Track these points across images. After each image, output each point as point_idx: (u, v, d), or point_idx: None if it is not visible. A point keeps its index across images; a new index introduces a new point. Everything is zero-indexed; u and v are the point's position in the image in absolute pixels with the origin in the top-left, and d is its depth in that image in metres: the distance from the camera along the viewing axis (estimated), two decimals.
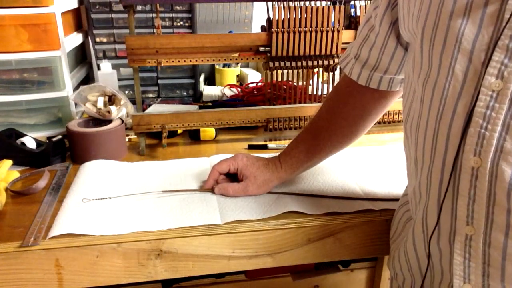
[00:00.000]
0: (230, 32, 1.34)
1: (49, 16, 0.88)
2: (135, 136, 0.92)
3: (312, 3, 0.87)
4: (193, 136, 0.97)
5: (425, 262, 0.51)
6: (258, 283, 0.80)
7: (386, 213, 0.66)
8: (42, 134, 0.93)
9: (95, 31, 1.15)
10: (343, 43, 0.91)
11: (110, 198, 0.67)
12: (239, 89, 1.24)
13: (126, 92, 1.20)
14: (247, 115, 0.91)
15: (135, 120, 0.86)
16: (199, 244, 0.60)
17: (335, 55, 0.92)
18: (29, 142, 0.82)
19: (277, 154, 0.72)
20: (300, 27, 0.88)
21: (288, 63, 0.91)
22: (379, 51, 0.60)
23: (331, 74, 0.95)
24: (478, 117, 0.40)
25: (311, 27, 0.88)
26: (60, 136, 0.86)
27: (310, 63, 0.92)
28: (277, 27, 0.86)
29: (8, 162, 0.74)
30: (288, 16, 0.86)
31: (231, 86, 1.27)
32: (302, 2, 0.87)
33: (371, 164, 0.82)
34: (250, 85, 1.24)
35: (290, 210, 0.65)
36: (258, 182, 0.68)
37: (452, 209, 0.44)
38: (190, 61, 0.87)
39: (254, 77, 1.30)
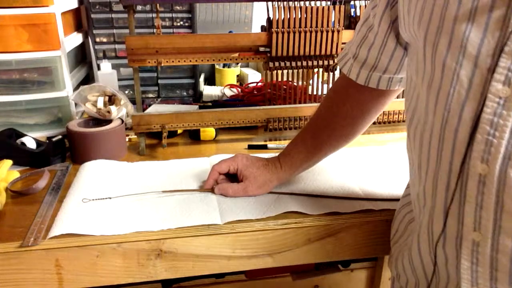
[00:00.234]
0: (230, 32, 1.34)
1: (49, 16, 0.88)
2: (135, 136, 0.92)
3: (312, 3, 0.87)
4: (193, 136, 0.97)
5: (431, 267, 0.50)
6: (258, 283, 0.80)
7: (386, 213, 0.66)
8: (42, 134, 0.93)
9: (95, 31, 1.15)
10: (343, 43, 0.91)
11: (110, 198, 0.67)
12: (239, 89, 1.24)
13: (126, 92, 1.20)
14: (247, 115, 0.91)
15: (135, 120, 0.86)
16: (199, 244, 0.60)
17: (335, 55, 0.92)
18: (29, 142, 0.82)
19: (277, 154, 0.72)
20: (300, 27, 0.88)
21: (288, 63, 0.91)
22: (378, 51, 0.60)
23: (331, 74, 0.95)
24: (485, 124, 0.39)
25: (311, 27, 0.88)
26: (60, 136, 0.86)
27: (310, 63, 0.92)
28: (277, 27, 0.86)
29: (8, 162, 0.74)
30: (288, 16, 0.86)
31: (231, 86, 1.27)
32: (302, 2, 0.87)
33: (371, 164, 0.82)
34: (250, 85, 1.24)
35: (290, 210, 0.65)
36: (258, 183, 0.68)
37: (459, 214, 0.43)
38: (190, 61, 0.87)
39: (254, 77, 1.30)
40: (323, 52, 0.91)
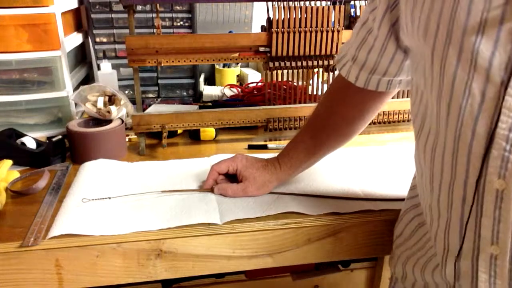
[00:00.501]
0: (230, 32, 1.34)
1: (49, 16, 0.88)
2: (135, 136, 0.92)
3: (312, 3, 0.87)
4: (193, 136, 0.97)
5: (448, 281, 0.50)
6: (258, 283, 0.80)
7: (386, 213, 0.66)
8: (42, 134, 0.93)
9: (95, 31, 1.15)
10: (343, 43, 0.90)
11: (109, 198, 0.67)
12: (239, 89, 1.24)
13: (126, 92, 1.20)
14: (247, 115, 0.91)
15: (135, 120, 0.86)
16: (199, 244, 0.60)
17: (335, 55, 0.92)
18: (29, 142, 0.82)
19: (276, 155, 0.72)
20: (300, 27, 0.88)
21: (288, 63, 0.91)
22: (378, 54, 0.59)
23: (331, 74, 0.95)
24: (501, 139, 0.39)
25: (311, 27, 0.88)
26: (60, 136, 0.86)
27: (310, 63, 0.92)
28: (277, 27, 0.86)
29: (8, 162, 0.74)
30: (288, 16, 0.86)
31: (231, 86, 1.27)
32: (302, 2, 0.87)
33: (371, 164, 0.82)
34: (250, 85, 1.24)
35: (290, 211, 0.65)
36: (258, 184, 0.68)
37: (475, 228, 0.43)
38: (190, 61, 0.87)
39: (254, 77, 1.30)
40: (323, 52, 0.91)
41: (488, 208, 0.41)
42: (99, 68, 1.13)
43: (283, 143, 0.92)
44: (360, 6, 0.91)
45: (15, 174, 0.75)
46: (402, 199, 0.65)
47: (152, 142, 0.94)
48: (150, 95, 1.22)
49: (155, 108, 1.11)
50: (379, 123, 1.00)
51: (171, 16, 1.16)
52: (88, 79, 1.22)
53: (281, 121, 0.93)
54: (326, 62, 0.92)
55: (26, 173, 0.77)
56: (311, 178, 0.76)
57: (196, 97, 1.24)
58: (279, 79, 0.94)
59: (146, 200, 0.67)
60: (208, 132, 0.96)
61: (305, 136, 0.70)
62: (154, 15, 1.15)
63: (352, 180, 0.75)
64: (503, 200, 0.40)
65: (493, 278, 0.43)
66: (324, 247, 0.65)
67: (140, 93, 0.87)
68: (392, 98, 0.72)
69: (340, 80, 0.67)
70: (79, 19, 1.16)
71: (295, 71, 0.93)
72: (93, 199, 0.66)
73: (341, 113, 0.67)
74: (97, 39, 1.16)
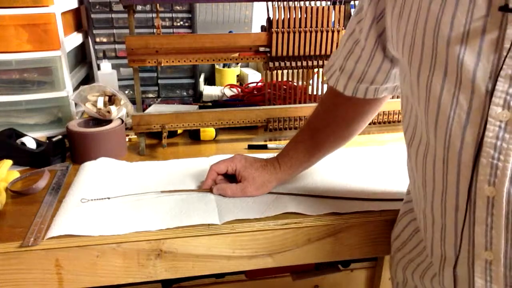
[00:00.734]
0: (230, 32, 1.34)
1: (49, 16, 0.88)
2: (135, 136, 0.92)
3: (312, 3, 0.87)
4: (193, 136, 0.97)
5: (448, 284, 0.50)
6: (258, 283, 0.80)
7: (386, 213, 0.66)
8: (42, 134, 0.93)
9: (95, 31, 1.15)
10: None
11: (109, 198, 0.67)
12: (239, 89, 1.24)
13: (126, 92, 1.20)
14: (247, 115, 0.91)
15: (135, 120, 0.86)
16: (199, 244, 0.60)
17: None
18: (29, 142, 0.82)
19: (275, 155, 0.72)
20: (300, 27, 0.88)
21: (288, 63, 0.91)
22: (366, 64, 0.60)
23: None
24: (489, 148, 0.39)
25: (311, 27, 0.88)
26: (60, 136, 0.86)
27: (310, 63, 0.92)
28: (277, 27, 0.86)
29: (8, 162, 0.74)
30: (288, 16, 0.86)
31: (231, 86, 1.27)
32: (302, 2, 0.87)
33: (371, 164, 0.82)
34: (250, 85, 1.24)
35: (289, 211, 0.65)
36: (257, 184, 0.68)
37: (470, 235, 0.43)
38: (190, 61, 0.87)
39: (254, 77, 1.30)
40: (323, 52, 0.91)
41: (480, 215, 0.42)
42: (99, 68, 1.13)
43: (283, 143, 0.92)
44: None
45: (15, 174, 0.75)
46: (401, 199, 0.65)
47: (152, 142, 0.94)
48: (150, 95, 1.22)
49: (155, 108, 1.11)
50: (379, 123, 1.00)
51: (171, 16, 1.16)
52: (88, 79, 1.22)
53: (281, 121, 0.93)
54: (326, 62, 0.92)
55: (26, 173, 0.77)
56: (310, 178, 0.76)
57: (196, 97, 1.24)
58: (279, 79, 0.94)
59: (145, 200, 0.67)
60: (208, 132, 0.96)
61: (305, 136, 0.70)
62: (154, 15, 1.15)
63: (352, 180, 0.75)
64: (494, 207, 0.40)
65: (489, 283, 0.43)
66: (324, 247, 0.65)
67: (140, 93, 0.87)
68: (392, 98, 0.73)
69: (330, 90, 0.68)
70: (79, 19, 1.16)
71: (295, 71, 0.93)
72: (92, 199, 0.66)
73: (338, 115, 0.68)
74: (97, 39, 1.16)
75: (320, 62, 0.92)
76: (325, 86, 0.97)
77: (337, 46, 0.90)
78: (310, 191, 0.71)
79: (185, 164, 0.81)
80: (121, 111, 0.88)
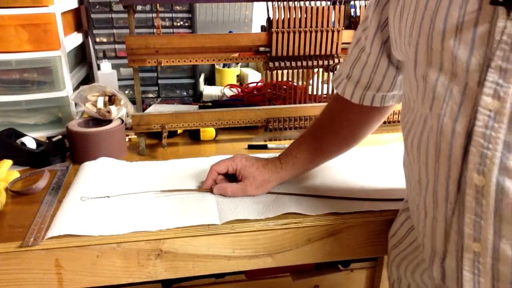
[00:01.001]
0: (230, 32, 1.34)
1: (49, 16, 0.88)
2: (135, 136, 0.92)
3: (312, 3, 0.87)
4: (193, 136, 0.97)
5: (436, 283, 0.51)
6: (258, 283, 0.80)
7: (386, 213, 0.66)
8: (42, 134, 0.93)
9: (95, 31, 1.15)
10: (343, 43, 0.91)
11: (108, 197, 0.67)
12: (239, 89, 1.24)
13: (126, 92, 1.20)
14: (247, 115, 0.91)
15: (135, 120, 0.86)
16: (199, 244, 0.60)
17: (335, 55, 0.92)
18: (29, 142, 0.82)
19: (277, 154, 0.72)
20: (300, 27, 0.88)
21: (288, 63, 0.91)
22: (371, 71, 0.61)
23: (331, 74, 0.94)
24: (478, 137, 0.40)
25: (311, 27, 0.88)
26: (60, 136, 0.86)
27: (310, 63, 0.92)
28: (277, 27, 0.86)
29: (8, 162, 0.74)
30: (288, 16, 0.86)
31: (231, 86, 1.27)
32: (302, 2, 0.87)
33: (371, 164, 0.82)
34: (250, 85, 1.24)
35: (289, 212, 0.65)
36: (257, 183, 0.68)
37: (459, 226, 0.44)
38: (190, 61, 0.87)
39: (254, 77, 1.30)
40: (323, 52, 0.91)
41: (469, 205, 0.42)
42: (99, 68, 1.13)
43: (283, 143, 0.92)
44: (360, 6, 0.91)
45: (15, 174, 0.75)
46: (401, 199, 0.65)
47: (152, 142, 0.94)
48: (150, 95, 1.22)
49: (155, 108, 1.11)
50: None
51: (171, 16, 1.16)
52: (88, 79, 1.22)
53: (281, 121, 0.93)
54: (326, 62, 0.92)
55: (26, 173, 0.77)
56: (310, 178, 0.76)
57: (196, 97, 1.24)
58: (279, 79, 0.94)
59: (145, 200, 0.67)
60: (208, 132, 0.96)
61: (310, 138, 0.71)
62: (154, 15, 1.15)
63: (352, 180, 0.75)
64: (483, 196, 0.41)
65: (477, 277, 0.44)
66: (324, 247, 0.65)
67: (140, 93, 0.87)
68: None
69: (337, 98, 0.70)
70: (79, 19, 1.16)
71: (295, 71, 0.93)
72: (92, 198, 0.66)
73: (346, 119, 0.69)
74: (97, 39, 1.16)
75: (320, 62, 0.92)
76: (325, 86, 0.97)
77: (337, 46, 0.90)
78: (310, 191, 0.71)
79: (185, 164, 0.81)
80: (121, 111, 0.88)
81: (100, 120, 0.87)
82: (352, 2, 0.92)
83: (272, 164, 0.70)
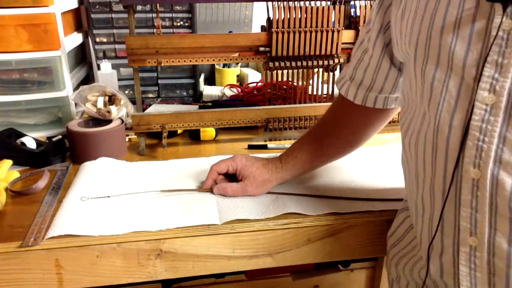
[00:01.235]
0: (230, 32, 1.34)
1: (49, 16, 0.88)
2: (135, 136, 0.92)
3: (312, 3, 0.87)
4: (193, 136, 0.97)
5: (434, 279, 0.51)
6: (258, 283, 0.80)
7: (386, 213, 0.66)
8: (42, 134, 0.93)
9: (95, 31, 1.15)
10: (343, 43, 0.91)
11: (108, 197, 0.67)
12: (239, 89, 1.24)
13: (126, 92, 1.20)
14: (247, 115, 0.91)
15: (135, 120, 0.86)
16: (199, 244, 0.60)
17: (335, 55, 0.92)
18: (29, 142, 0.82)
19: (277, 154, 0.72)
20: (300, 27, 0.87)
21: (288, 63, 0.91)
22: (374, 72, 0.62)
23: (331, 74, 0.95)
24: (474, 131, 0.41)
25: (311, 27, 0.88)
26: (60, 136, 0.86)
27: (310, 63, 0.91)
28: (277, 27, 0.86)
29: (8, 162, 0.74)
30: (288, 16, 0.86)
31: (231, 86, 1.27)
32: (302, 2, 0.87)
33: (371, 164, 0.82)
34: (250, 85, 1.24)
35: (289, 212, 0.65)
36: (257, 182, 0.68)
37: (455, 220, 0.44)
38: (190, 61, 0.87)
39: (254, 77, 1.30)
40: (323, 52, 0.91)
41: (465, 198, 0.43)
42: (99, 68, 1.13)
43: (283, 143, 0.92)
44: (360, 6, 0.91)
45: (15, 174, 0.75)
46: (401, 199, 0.65)
47: (152, 142, 0.94)
48: (150, 95, 1.22)
49: (155, 108, 1.11)
50: None
51: (171, 16, 1.16)
52: (88, 79, 1.22)
53: (281, 121, 0.93)
54: (326, 62, 0.92)
55: (26, 173, 0.77)
56: (311, 178, 0.76)
57: (196, 97, 1.24)
58: (279, 79, 0.94)
59: (145, 200, 0.67)
60: (208, 132, 0.96)
61: (311, 138, 0.71)
62: (154, 15, 1.15)
63: (352, 180, 0.75)
64: (479, 189, 0.42)
65: (473, 271, 0.44)
66: (324, 247, 0.65)
67: (140, 93, 0.87)
68: None
69: (340, 99, 0.70)
70: (79, 19, 1.16)
71: (295, 71, 0.93)
72: (92, 198, 0.66)
73: (348, 121, 0.70)
74: (97, 39, 1.16)
75: (320, 62, 0.92)
76: (325, 86, 0.97)
77: (337, 46, 0.90)
78: (310, 191, 0.71)
79: (185, 164, 0.81)
80: (121, 111, 0.88)
81: (100, 120, 0.87)
82: (352, 2, 0.92)
83: (272, 164, 0.70)
